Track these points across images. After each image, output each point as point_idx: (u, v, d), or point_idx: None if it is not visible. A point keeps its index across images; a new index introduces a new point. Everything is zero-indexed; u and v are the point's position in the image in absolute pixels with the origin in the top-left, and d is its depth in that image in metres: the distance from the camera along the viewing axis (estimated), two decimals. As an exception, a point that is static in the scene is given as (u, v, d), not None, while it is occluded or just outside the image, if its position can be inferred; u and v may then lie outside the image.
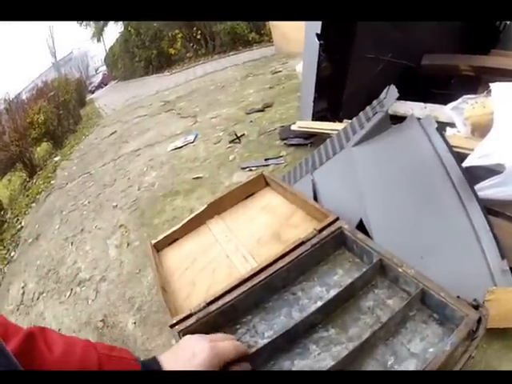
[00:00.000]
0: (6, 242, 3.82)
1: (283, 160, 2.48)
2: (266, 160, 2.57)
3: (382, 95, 1.84)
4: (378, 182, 1.45)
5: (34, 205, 4.61)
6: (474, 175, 1.33)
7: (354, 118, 1.84)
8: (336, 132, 1.91)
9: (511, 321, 1.01)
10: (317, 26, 2.17)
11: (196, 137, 3.88)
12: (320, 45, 2.20)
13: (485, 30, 2.29)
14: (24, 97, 11.56)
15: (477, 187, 1.28)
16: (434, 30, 2.05)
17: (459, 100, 1.74)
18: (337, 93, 2.37)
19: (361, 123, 1.76)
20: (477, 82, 2.10)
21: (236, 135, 3.27)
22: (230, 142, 3.25)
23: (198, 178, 2.81)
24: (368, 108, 1.83)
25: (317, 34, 2.20)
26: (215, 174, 2.74)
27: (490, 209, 1.29)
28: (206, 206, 1.32)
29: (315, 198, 1.58)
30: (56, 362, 0.65)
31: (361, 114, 1.84)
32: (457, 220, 1.22)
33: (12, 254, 3.39)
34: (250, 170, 2.55)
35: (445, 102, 1.80)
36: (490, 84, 1.54)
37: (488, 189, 1.29)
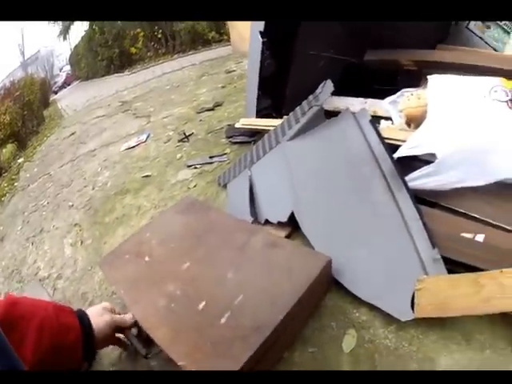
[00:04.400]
0: (-27, 245, 3.67)
1: (226, 157, 2.47)
2: (210, 158, 2.55)
3: (318, 90, 1.81)
4: (309, 175, 1.42)
5: (-1, 207, 4.54)
6: (407, 166, 1.32)
7: (291, 113, 1.82)
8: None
9: (444, 310, 0.96)
10: (261, 23, 2.14)
11: (148, 136, 3.85)
12: (263, 42, 2.18)
13: (431, 25, 2.30)
14: (-7, 97, 11.08)
15: (408, 177, 1.27)
16: (377, 26, 2.02)
17: (397, 94, 1.75)
18: (280, 90, 2.35)
19: (296, 118, 1.73)
20: (420, 77, 2.10)
21: (185, 134, 3.24)
22: (179, 141, 3.23)
23: (146, 176, 2.81)
24: (304, 103, 1.81)
25: (260, 32, 2.17)
26: (163, 172, 2.74)
27: (426, 199, 1.28)
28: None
29: (251, 193, 1.56)
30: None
31: (297, 108, 1.82)
32: (386, 210, 1.21)
33: (-20, 257, 3.27)
34: (195, 167, 2.54)
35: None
36: (428, 76, 1.54)
37: (420, 179, 1.28)
